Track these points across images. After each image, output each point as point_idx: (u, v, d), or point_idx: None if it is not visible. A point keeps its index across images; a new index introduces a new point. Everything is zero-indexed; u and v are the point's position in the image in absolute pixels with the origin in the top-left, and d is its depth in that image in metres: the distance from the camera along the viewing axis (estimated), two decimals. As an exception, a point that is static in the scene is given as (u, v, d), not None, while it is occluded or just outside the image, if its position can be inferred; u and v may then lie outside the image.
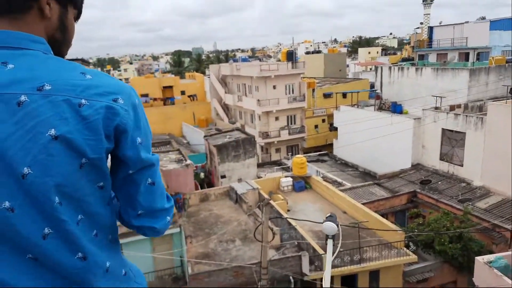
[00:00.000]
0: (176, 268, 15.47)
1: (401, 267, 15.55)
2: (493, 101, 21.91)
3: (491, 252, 14.45)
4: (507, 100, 21.56)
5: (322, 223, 2.56)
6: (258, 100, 34.14)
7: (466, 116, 21.71)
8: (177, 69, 74.84)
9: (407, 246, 16.53)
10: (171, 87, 48.53)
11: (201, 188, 23.62)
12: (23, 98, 0.86)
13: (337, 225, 2.51)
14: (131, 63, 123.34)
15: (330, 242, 2.37)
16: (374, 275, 15.35)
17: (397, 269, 15.47)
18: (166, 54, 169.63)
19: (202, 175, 27.02)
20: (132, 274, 1.17)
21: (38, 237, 0.90)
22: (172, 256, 14.95)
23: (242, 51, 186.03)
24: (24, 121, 0.86)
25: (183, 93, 48.91)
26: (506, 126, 18.80)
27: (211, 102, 45.24)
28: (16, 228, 0.88)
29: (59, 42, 1.06)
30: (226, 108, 42.83)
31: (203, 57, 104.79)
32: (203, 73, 61.89)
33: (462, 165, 21.72)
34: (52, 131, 0.87)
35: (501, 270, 11.96)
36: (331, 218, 2.60)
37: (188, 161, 21.32)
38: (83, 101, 0.91)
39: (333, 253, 2.47)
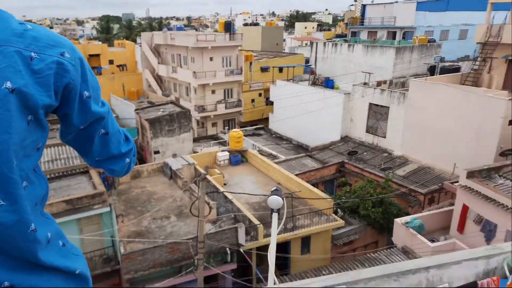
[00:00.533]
0: (107, 249, 14.85)
1: (330, 232, 16.64)
2: (415, 78, 23.75)
3: (407, 214, 16.10)
4: (426, 77, 23.54)
5: (268, 196, 2.49)
6: (194, 72, 33.10)
7: (391, 91, 23.32)
8: (105, 36, 69.19)
9: (335, 212, 17.68)
10: (98, 55, 44.79)
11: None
12: None
13: (282, 199, 2.45)
14: (51, 28, 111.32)
15: (275, 216, 2.31)
16: (306, 241, 16.25)
17: (326, 234, 16.54)
18: (93, 19, 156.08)
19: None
20: (69, 245, 1.13)
21: None
22: (102, 236, 14.28)
23: (177, 19, 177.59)
24: None
25: (111, 62, 45.48)
26: (424, 101, 20.59)
27: (143, 73, 42.81)
28: None
29: None
30: (159, 79, 40.94)
31: (134, 24, 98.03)
32: (134, 41, 57.96)
33: (385, 137, 23.51)
34: (8, 84, 0.80)
35: (415, 229, 13.39)
36: (276, 192, 2.52)
37: (118, 136, 20.13)
38: (33, 54, 0.86)
39: (278, 225, 2.42)
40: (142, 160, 24.96)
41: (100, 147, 1.11)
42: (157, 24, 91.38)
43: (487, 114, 17.38)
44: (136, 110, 26.71)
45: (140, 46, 43.42)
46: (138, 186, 18.91)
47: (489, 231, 12.33)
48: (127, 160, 1.21)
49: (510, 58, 21.13)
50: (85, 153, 1.13)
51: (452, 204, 14.86)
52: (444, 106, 19.38)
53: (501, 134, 16.83)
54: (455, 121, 18.78)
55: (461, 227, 13.56)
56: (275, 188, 2.56)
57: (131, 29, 79.88)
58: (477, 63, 21.97)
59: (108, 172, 1.21)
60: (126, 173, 1.27)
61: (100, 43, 53.56)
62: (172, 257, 14.04)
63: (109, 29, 74.32)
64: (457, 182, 14.18)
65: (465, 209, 13.44)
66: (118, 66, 45.51)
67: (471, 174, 13.38)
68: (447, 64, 27.38)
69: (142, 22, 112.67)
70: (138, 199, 17.69)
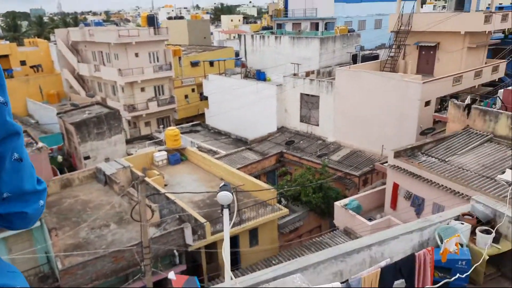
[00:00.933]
0: (42, 266, 13.52)
1: (275, 222, 17.04)
2: (339, 67, 25.12)
3: (345, 197, 17.10)
4: (350, 66, 25.05)
5: (217, 193, 2.38)
6: (120, 70, 31.22)
7: (319, 81, 24.40)
8: (13, 35, 62.06)
9: (279, 202, 18.15)
10: (6, 56, 39.93)
11: (61, 174, 20.76)
12: None
13: (232, 194, 2.36)
14: None
15: (226, 212, 2.22)
16: (254, 233, 16.44)
17: (273, 223, 16.91)
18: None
19: (60, 158, 23.73)
20: (3, 264, 0.99)
21: None
22: (35, 253, 12.93)
23: (94, 14, 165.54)
24: None
25: (23, 63, 40.87)
26: (349, 89, 21.91)
27: (62, 73, 39.26)
28: None
29: None
30: (81, 79, 37.92)
31: (46, 20, 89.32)
32: (48, 39, 52.80)
33: (318, 125, 24.62)
34: None
35: (354, 210, 14.26)
36: (225, 187, 2.43)
37: (40, 144, 18.29)
38: None
39: (230, 221, 2.33)
40: (71, 168, 23.01)
41: (11, 175, 0.92)
42: (72, 20, 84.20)
43: (405, 97, 19.07)
44: (58, 114, 24.45)
45: (55, 44, 39.69)
46: (71, 196, 17.41)
47: (418, 205, 13.62)
48: (41, 202, 1.03)
49: (420, 44, 23.39)
50: None
51: (384, 184, 16.11)
52: (367, 92, 20.84)
53: (419, 115, 18.62)
54: (378, 105, 20.31)
55: (393, 204, 14.79)
56: (223, 184, 2.50)
57: (42, 26, 72.73)
58: (393, 50, 23.93)
59: (16, 221, 0.98)
60: (33, 224, 1.06)
61: (7, 42, 47.72)
62: (116, 266, 13.23)
63: (17, 26, 66.83)
64: (386, 162, 15.39)
65: (395, 187, 14.67)
66: (32, 67, 41.05)
67: (397, 154, 14.60)
68: (366, 52, 29.37)
69: (55, 17, 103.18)
70: (72, 209, 16.30)
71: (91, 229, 14.92)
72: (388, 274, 5.65)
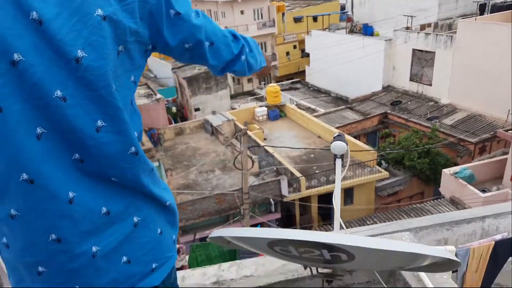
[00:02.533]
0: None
1: (373, 183, 16.57)
2: (463, 19, 21.84)
3: (456, 165, 15.57)
4: (477, 17, 21.57)
5: (331, 142, 2.46)
6: (226, 27, 32.30)
7: (436, 35, 21.68)
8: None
9: (379, 164, 17.45)
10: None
11: (175, 122, 23.23)
12: None
13: (346, 144, 2.41)
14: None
15: (338, 162, 2.28)
16: (349, 192, 16.32)
17: (370, 185, 16.49)
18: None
19: (174, 109, 26.38)
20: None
21: (92, 130, 0.82)
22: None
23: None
24: (68, 1, 0.75)
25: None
26: (474, 43, 19.02)
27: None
28: (68, 119, 0.79)
29: None
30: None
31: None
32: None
33: (430, 85, 22.26)
34: (100, 11, 0.78)
35: (465, 180, 12.99)
36: (339, 137, 2.47)
37: (158, 95, 20.58)
38: None
39: (342, 172, 2.41)
40: (183, 118, 25.56)
41: (214, 58, 1.11)
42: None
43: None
44: (173, 69, 26.89)
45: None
46: (183, 143, 19.55)
47: (548, 179, 11.71)
48: (243, 57, 1.20)
49: None
50: (206, 66, 1.17)
51: (506, 153, 14.14)
52: (496, 47, 17.81)
53: None
54: (508, 63, 17.29)
55: (515, 176, 12.96)
56: (337, 134, 2.48)
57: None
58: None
59: (234, 74, 1.27)
60: (251, 70, 1.27)
61: None
62: (219, 207, 14.73)
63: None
64: (512, 129, 13.37)
65: (520, 157, 12.76)
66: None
67: (529, 120, 12.52)
68: (498, 1, 24.79)
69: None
70: (184, 154, 18.36)
71: (199, 173, 16.66)
72: (503, 249, 5.16)
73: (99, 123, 0.83)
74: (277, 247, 0.96)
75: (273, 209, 15.37)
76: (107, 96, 0.82)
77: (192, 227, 14.48)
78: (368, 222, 13.75)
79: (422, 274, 1.83)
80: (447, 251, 0.89)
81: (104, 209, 0.89)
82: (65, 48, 0.75)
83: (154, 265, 1.02)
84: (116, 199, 0.92)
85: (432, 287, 1.75)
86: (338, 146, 2.37)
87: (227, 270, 1.98)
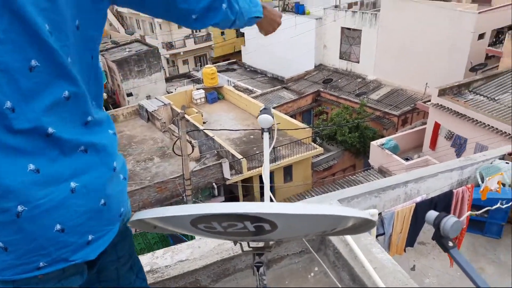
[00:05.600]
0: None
1: (309, 160, 17.32)
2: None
3: (382, 137, 16.84)
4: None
5: (257, 117, 2.46)
6: None
7: (362, 13, 22.78)
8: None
9: (314, 141, 18.25)
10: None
11: (106, 110, 21.85)
12: None
13: (272, 117, 2.42)
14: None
15: (266, 135, 2.29)
16: (288, 169, 16.91)
17: (307, 161, 17.22)
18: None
19: (104, 95, 24.81)
20: None
21: (24, 69, 0.75)
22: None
23: None
24: None
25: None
26: (396, 21, 20.35)
27: (100, 11, 39.42)
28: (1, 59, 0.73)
29: None
30: (120, 17, 37.99)
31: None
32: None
33: (358, 62, 23.53)
34: None
35: (391, 150, 14.12)
36: (266, 110, 2.48)
37: (86, 81, 19.13)
38: None
39: (270, 145, 2.44)
40: (115, 104, 24.14)
41: (184, 2, 0.97)
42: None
43: (457, 29, 17.50)
44: (100, 51, 25.08)
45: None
46: (117, 131, 18.42)
47: (459, 145, 13.19)
48: (224, 6, 1.03)
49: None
50: (176, 14, 1.00)
51: (425, 124, 15.59)
52: (416, 24, 19.29)
53: (471, 49, 17.20)
54: (427, 39, 18.87)
55: (433, 144, 14.41)
56: (263, 107, 2.51)
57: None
58: (448, -22, 21.52)
59: (217, 27, 1.10)
60: (235, 24, 1.11)
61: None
62: (161, 196, 14.37)
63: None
64: (429, 101, 14.72)
65: (436, 126, 14.17)
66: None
67: (442, 92, 13.87)
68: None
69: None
70: (118, 143, 17.23)
71: (137, 162, 16.02)
72: (423, 209, 5.72)
73: (33, 62, 0.76)
74: (200, 225, 0.94)
75: (216, 193, 15.39)
76: (42, 35, 0.75)
77: (132, 218, 13.99)
78: (306, 197, 14.41)
79: (349, 238, 1.97)
80: (361, 211, 0.95)
81: (31, 166, 0.80)
82: None
83: (90, 237, 0.93)
84: (50, 156, 0.83)
85: (357, 248, 1.89)
86: (264, 120, 2.37)
87: (161, 257, 1.91)
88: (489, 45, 17.45)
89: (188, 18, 1.02)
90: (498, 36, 18.04)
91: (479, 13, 16.94)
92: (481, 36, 17.27)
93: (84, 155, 0.90)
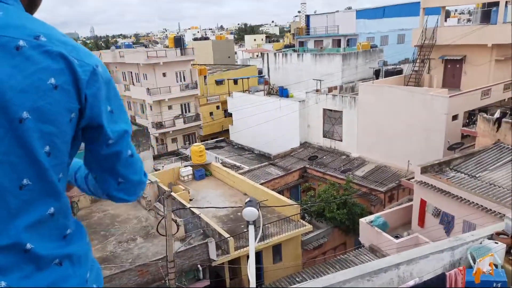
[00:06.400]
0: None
1: (299, 238, 16.88)
2: (362, 82, 25.02)
3: (370, 213, 16.76)
4: (373, 81, 24.91)
5: (242, 208, 2.47)
6: (148, 89, 32.37)
7: (342, 96, 24.38)
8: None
9: (303, 218, 18.00)
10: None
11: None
12: (21, 43, 0.84)
13: (258, 210, 2.44)
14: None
15: (251, 228, 2.29)
16: (277, 248, 16.34)
17: (296, 239, 16.76)
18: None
19: (90, 173, 24.61)
20: None
21: (15, 188, 0.85)
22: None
23: (124, 37, 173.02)
24: (23, 66, 0.83)
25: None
26: (373, 103, 21.75)
27: (94, 93, 41.07)
28: None
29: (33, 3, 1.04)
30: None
31: (79, 43, 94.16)
32: (81, 61, 55.55)
33: (341, 140, 24.44)
34: (52, 80, 0.86)
35: (380, 227, 13.96)
36: (250, 203, 2.50)
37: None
38: (75, 60, 0.92)
39: (256, 237, 2.42)
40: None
41: (125, 168, 1.08)
42: (103, 43, 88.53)
43: (432, 111, 18.71)
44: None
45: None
46: (100, 210, 17.98)
47: (447, 223, 13.17)
48: (141, 192, 1.20)
49: (446, 58, 23.02)
50: (106, 178, 1.09)
51: (411, 200, 15.71)
52: (392, 106, 20.61)
53: (446, 129, 18.19)
54: (404, 120, 20.01)
55: (421, 221, 14.36)
56: (248, 199, 2.54)
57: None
58: (417, 64, 23.65)
59: (120, 202, 1.18)
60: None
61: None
62: (142, 280, 13.46)
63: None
64: (412, 178, 15.04)
65: (423, 203, 14.28)
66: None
67: (424, 170, 14.27)
68: (390, 67, 29.17)
69: (87, 41, 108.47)
70: (101, 223, 16.81)
71: (119, 243, 15.30)
72: (418, 293, 5.51)
73: (25, 181, 0.86)
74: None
75: (201, 275, 14.55)
76: (39, 157, 0.85)
77: (110, 306, 12.91)
78: (297, 279, 13.73)
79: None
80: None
81: (2, 283, 0.84)
82: (12, 107, 0.81)
83: None
84: (25, 273, 0.87)
85: None
86: (249, 212, 2.36)
87: None
88: (463, 126, 18.54)
89: (111, 184, 1.13)
90: (470, 117, 19.28)
91: (450, 97, 18.31)
92: (455, 117, 18.44)
93: (59, 268, 0.95)
